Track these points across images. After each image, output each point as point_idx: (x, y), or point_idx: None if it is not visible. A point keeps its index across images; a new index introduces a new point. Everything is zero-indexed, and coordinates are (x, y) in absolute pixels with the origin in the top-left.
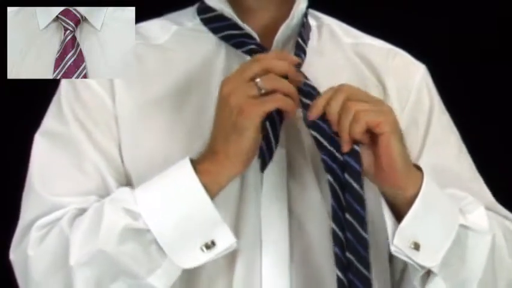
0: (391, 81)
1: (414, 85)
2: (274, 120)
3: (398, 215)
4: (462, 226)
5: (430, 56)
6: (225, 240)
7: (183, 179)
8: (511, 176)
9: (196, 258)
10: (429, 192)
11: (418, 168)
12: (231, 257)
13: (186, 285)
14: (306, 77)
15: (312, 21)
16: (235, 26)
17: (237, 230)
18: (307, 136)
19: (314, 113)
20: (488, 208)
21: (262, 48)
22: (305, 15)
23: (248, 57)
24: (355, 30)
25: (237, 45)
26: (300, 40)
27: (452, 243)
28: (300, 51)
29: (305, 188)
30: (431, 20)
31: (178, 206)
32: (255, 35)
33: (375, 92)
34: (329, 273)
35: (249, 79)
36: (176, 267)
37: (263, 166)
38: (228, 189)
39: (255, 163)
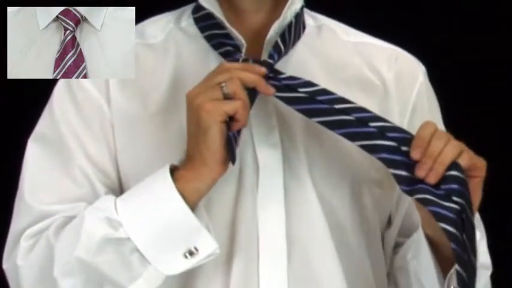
0: (393, 83)
1: (416, 87)
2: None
3: (434, 248)
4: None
5: (430, 56)
6: (207, 246)
7: (161, 188)
8: (511, 177)
9: (180, 265)
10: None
11: None
12: (229, 258)
13: (184, 286)
14: (280, 72)
15: (310, 21)
16: (220, 26)
17: (234, 232)
18: (302, 136)
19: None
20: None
21: (239, 50)
22: (297, 15)
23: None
24: (353, 29)
25: (216, 46)
26: (279, 40)
27: None
28: (275, 51)
29: (301, 188)
30: (431, 20)
31: (158, 215)
32: (237, 35)
33: (375, 94)
34: (326, 274)
35: (215, 85)
36: (159, 274)
37: (232, 158)
38: (225, 191)
39: (251, 165)
